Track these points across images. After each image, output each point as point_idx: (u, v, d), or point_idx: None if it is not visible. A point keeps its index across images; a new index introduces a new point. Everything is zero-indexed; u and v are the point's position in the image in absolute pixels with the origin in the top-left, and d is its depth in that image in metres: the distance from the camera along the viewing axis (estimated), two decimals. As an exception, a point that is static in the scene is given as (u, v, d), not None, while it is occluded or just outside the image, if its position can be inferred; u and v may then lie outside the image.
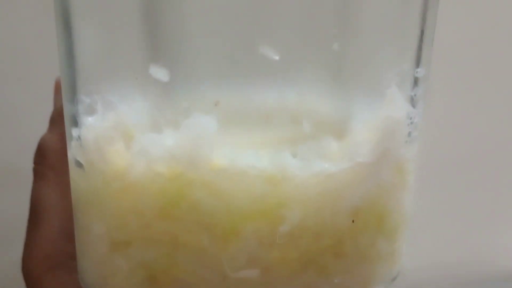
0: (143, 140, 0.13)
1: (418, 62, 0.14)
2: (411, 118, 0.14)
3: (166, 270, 0.14)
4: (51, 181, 0.18)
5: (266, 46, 0.13)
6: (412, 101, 0.14)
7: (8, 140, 0.33)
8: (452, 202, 0.37)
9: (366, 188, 0.14)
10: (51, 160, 0.18)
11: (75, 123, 0.13)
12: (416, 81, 0.14)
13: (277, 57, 0.12)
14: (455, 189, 0.37)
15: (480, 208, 0.38)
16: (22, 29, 0.32)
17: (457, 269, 0.38)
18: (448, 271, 0.37)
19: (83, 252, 0.14)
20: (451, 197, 0.37)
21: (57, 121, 0.19)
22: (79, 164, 0.13)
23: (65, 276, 0.17)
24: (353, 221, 0.14)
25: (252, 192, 0.13)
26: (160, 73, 0.12)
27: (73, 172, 0.14)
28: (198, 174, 0.13)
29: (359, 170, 0.14)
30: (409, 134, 0.14)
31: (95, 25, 0.13)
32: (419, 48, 0.14)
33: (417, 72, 0.14)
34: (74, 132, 0.13)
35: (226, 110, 0.13)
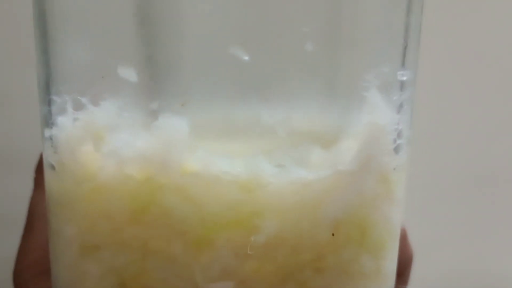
0: (113, 141, 0.13)
1: (402, 65, 0.14)
2: (396, 125, 0.14)
3: (136, 277, 0.14)
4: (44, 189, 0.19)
5: (244, 52, 0.13)
6: (397, 107, 0.14)
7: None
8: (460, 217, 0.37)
9: (347, 199, 0.14)
10: None
11: (48, 123, 0.14)
12: (401, 85, 0.14)
13: (246, 57, 0.13)
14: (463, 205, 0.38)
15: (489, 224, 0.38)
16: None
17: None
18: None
19: (55, 256, 0.15)
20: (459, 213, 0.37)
21: None
22: (51, 166, 0.14)
23: (50, 282, 0.18)
24: (333, 234, 0.14)
25: (225, 199, 0.14)
26: (128, 73, 0.13)
27: (47, 174, 0.15)
28: (169, 178, 0.14)
29: (340, 178, 0.14)
30: (394, 141, 0.14)
31: (68, 29, 0.14)
32: (403, 50, 0.14)
33: (401, 75, 0.14)
34: (46, 132, 0.14)
35: (199, 116, 0.14)
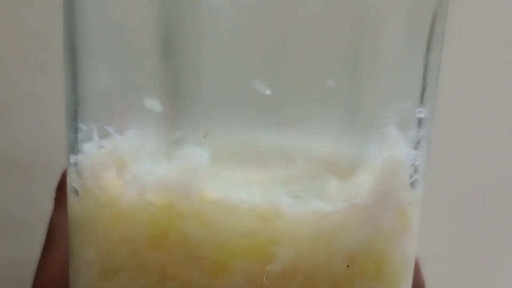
0: (135, 169, 0.14)
1: (421, 102, 0.14)
2: (412, 160, 0.15)
3: (153, 301, 0.15)
4: (65, 209, 0.20)
5: (265, 84, 0.14)
6: (414, 143, 0.15)
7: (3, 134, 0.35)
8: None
9: (363, 231, 0.14)
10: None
11: (74, 150, 0.15)
12: (419, 122, 0.15)
13: (268, 92, 0.13)
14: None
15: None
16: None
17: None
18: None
19: (75, 278, 0.16)
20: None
21: None
22: (75, 190, 0.15)
23: None
24: (348, 266, 0.14)
25: (242, 227, 0.14)
26: (153, 103, 0.13)
27: (70, 198, 0.15)
28: (189, 205, 0.14)
29: (356, 211, 0.14)
30: (411, 176, 0.15)
31: (96, 59, 0.14)
32: (422, 88, 0.14)
33: (419, 112, 0.14)
34: (72, 158, 0.15)
35: (220, 145, 0.14)
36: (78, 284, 0.15)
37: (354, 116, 0.15)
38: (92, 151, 0.14)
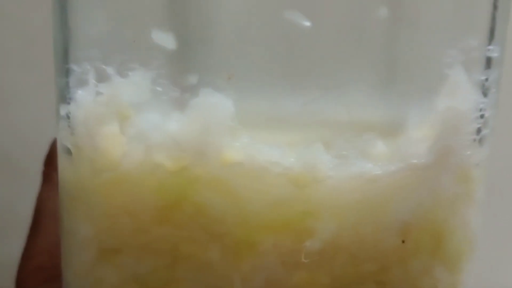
0: (141, 122, 0.11)
1: (490, 39, 0.12)
2: (481, 110, 0.12)
3: (163, 287, 0.12)
4: (55, 185, 0.18)
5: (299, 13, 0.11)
6: (483, 88, 0.12)
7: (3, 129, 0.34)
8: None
9: (420, 198, 0.12)
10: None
11: (64, 98, 0.12)
12: (488, 62, 0.12)
13: (307, 23, 0.11)
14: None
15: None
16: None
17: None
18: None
19: (67, 260, 0.13)
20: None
21: None
22: (67, 150, 0.12)
23: None
24: (403, 241, 0.12)
25: (273, 196, 0.12)
26: (164, 38, 0.11)
27: (61, 161, 0.13)
28: (207, 169, 0.12)
29: (412, 174, 0.12)
30: (478, 131, 0.12)
31: None
32: (492, 22, 0.12)
33: (490, 50, 0.12)
34: (63, 109, 0.12)
35: (246, 97, 0.12)
36: (71, 267, 0.13)
37: (404, 59, 0.12)
38: (87, 99, 0.12)
